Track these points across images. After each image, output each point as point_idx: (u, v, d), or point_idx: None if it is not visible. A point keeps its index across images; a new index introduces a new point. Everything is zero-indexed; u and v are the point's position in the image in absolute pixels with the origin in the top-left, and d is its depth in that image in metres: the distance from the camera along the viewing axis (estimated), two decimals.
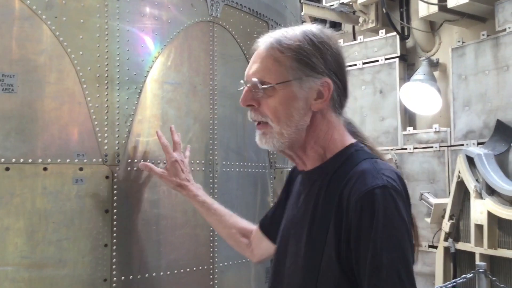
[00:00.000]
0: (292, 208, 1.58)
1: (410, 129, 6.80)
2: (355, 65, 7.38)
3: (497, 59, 5.79)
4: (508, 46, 5.65)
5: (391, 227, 1.23)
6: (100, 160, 2.26)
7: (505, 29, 5.67)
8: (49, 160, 2.15)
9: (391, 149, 6.82)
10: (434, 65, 6.79)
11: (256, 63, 1.45)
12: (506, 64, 5.67)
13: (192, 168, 2.64)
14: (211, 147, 2.77)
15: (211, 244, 2.65)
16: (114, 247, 2.27)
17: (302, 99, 1.41)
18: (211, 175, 2.74)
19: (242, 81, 1.50)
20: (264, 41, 1.47)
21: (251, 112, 1.48)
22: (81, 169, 2.21)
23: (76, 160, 2.21)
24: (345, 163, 1.42)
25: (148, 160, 2.41)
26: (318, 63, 1.42)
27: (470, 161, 5.57)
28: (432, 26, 6.98)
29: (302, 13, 7.46)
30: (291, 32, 1.45)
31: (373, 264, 1.21)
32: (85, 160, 2.22)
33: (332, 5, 7.99)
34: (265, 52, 1.44)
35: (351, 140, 1.53)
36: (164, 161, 2.38)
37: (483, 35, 6.00)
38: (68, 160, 2.19)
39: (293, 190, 1.65)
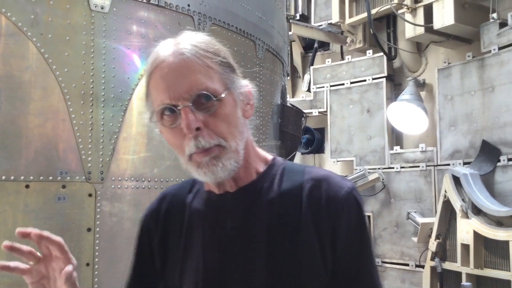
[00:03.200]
0: (208, 242, 1.29)
1: (397, 148, 6.83)
2: (343, 84, 7.43)
3: (483, 80, 5.86)
4: (493, 67, 5.72)
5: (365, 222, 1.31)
6: (84, 177, 2.24)
7: (490, 51, 5.74)
8: (31, 177, 2.13)
9: (378, 168, 6.84)
10: (420, 85, 6.85)
11: (187, 75, 1.15)
12: (492, 85, 5.74)
13: None
14: None
15: None
16: (96, 266, 2.24)
17: (239, 108, 1.23)
18: None
19: (164, 105, 1.16)
20: (183, 48, 1.17)
21: (200, 139, 1.15)
22: (63, 186, 2.19)
23: (59, 178, 2.18)
24: (286, 174, 1.30)
25: (133, 178, 2.39)
26: (234, 66, 1.25)
27: (456, 180, 5.59)
28: (419, 47, 7.06)
29: (291, 33, 7.52)
30: (198, 38, 1.23)
31: (369, 257, 1.28)
32: (68, 178, 2.20)
33: (321, 25, 8.07)
34: (193, 60, 1.16)
35: (266, 152, 1.37)
36: (149, 179, 2.37)
37: (468, 56, 6.07)
38: (50, 178, 2.17)
39: (185, 225, 1.35)
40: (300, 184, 1.27)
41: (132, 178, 2.38)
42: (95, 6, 2.37)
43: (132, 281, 1.43)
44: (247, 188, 1.28)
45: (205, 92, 1.14)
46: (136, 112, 2.47)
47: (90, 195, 2.24)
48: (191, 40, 1.20)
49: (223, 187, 1.28)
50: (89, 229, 2.23)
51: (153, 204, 1.43)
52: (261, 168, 1.31)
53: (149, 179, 2.39)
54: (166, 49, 1.20)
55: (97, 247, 2.24)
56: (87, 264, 2.22)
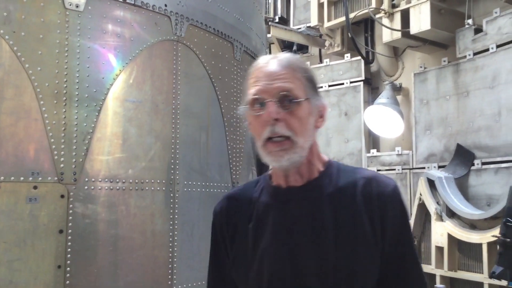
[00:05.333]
0: (278, 229, 1.54)
1: (373, 151, 6.89)
2: (321, 87, 7.47)
3: (458, 84, 5.95)
4: (468, 72, 5.82)
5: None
6: (56, 178, 2.20)
7: (465, 56, 5.84)
8: (2, 177, 2.08)
9: None
10: (397, 89, 6.93)
11: (279, 79, 1.48)
12: (466, 90, 5.83)
13: (153, 188, 2.60)
14: (172, 166, 2.74)
15: (170, 266, 2.60)
16: (68, 268, 2.20)
17: (313, 117, 1.53)
18: (171, 194, 2.70)
19: (256, 96, 1.48)
20: (279, 60, 1.51)
21: (276, 126, 1.46)
22: (35, 187, 2.15)
23: (31, 178, 2.14)
24: (341, 173, 1.58)
25: (107, 179, 2.36)
26: (317, 86, 1.56)
27: (431, 183, 5.67)
28: (396, 51, 7.14)
29: (269, 35, 7.53)
30: (294, 56, 1.56)
31: (411, 241, 1.56)
32: (40, 179, 2.16)
33: (299, 28, 8.10)
34: (286, 69, 1.50)
35: (324, 154, 1.65)
36: (123, 180, 2.33)
37: (444, 61, 6.16)
38: (22, 178, 2.12)
39: (255, 216, 1.59)
40: (354, 181, 1.54)
41: (106, 179, 2.34)
42: (70, 5, 2.34)
43: (214, 271, 1.70)
44: (312, 183, 1.55)
45: (288, 93, 1.46)
46: (111, 112, 2.44)
47: (62, 196, 2.20)
48: (288, 55, 1.54)
49: (289, 181, 1.55)
50: (61, 231, 2.19)
51: (222, 203, 1.68)
52: (321, 167, 1.58)
53: (124, 180, 2.36)
54: (267, 57, 1.54)
55: (69, 249, 2.20)
56: (59, 267, 2.18)
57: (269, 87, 1.48)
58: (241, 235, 1.61)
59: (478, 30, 5.73)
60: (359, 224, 1.49)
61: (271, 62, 1.52)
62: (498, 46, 5.42)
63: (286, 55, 1.55)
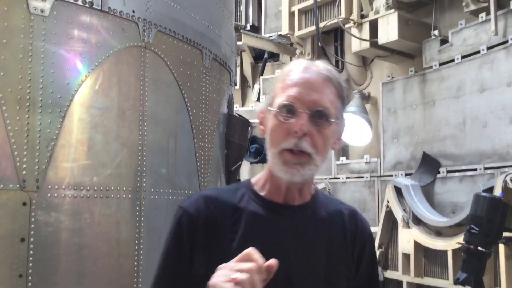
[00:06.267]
0: (272, 244, 1.42)
1: (343, 159, 6.96)
2: None
3: (424, 94, 6.07)
4: (434, 82, 5.94)
5: None
6: (18, 185, 2.15)
7: (431, 66, 5.96)
8: None
9: (325, 178, 6.94)
10: (365, 98, 7.03)
11: (317, 92, 1.40)
12: (432, 99, 5.95)
13: (118, 195, 2.57)
14: (139, 173, 2.71)
15: (135, 274, 2.57)
16: (30, 277, 2.15)
17: (333, 138, 1.47)
18: (138, 202, 2.67)
19: (289, 103, 1.38)
20: (320, 70, 1.43)
21: (303, 140, 1.37)
22: None
23: None
24: (327, 200, 1.61)
25: (71, 187, 2.32)
26: (346, 106, 1.52)
27: (398, 191, 5.75)
28: (364, 61, 7.25)
29: (241, 43, 7.55)
30: (333, 68, 1.48)
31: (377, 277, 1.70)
32: (1, 186, 2.11)
33: (271, 36, 8.15)
34: (326, 83, 1.42)
35: None
36: (88, 188, 2.30)
37: (411, 71, 6.28)
38: None
39: (243, 225, 1.46)
40: (340, 210, 1.58)
41: (70, 187, 2.31)
42: (35, 9, 2.30)
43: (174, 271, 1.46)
44: (309, 205, 1.53)
45: (325, 111, 1.39)
46: (76, 118, 2.41)
47: (24, 204, 2.16)
48: (328, 66, 1.46)
49: (287, 198, 1.49)
50: (22, 239, 2.14)
51: (196, 203, 1.47)
52: (312, 191, 1.57)
53: (88, 188, 2.33)
54: (305, 62, 1.46)
55: (31, 258, 2.15)
56: (20, 276, 2.13)
57: (306, 97, 1.38)
58: (223, 240, 1.44)
59: (444, 41, 5.86)
60: (347, 253, 1.55)
61: (312, 69, 1.43)
62: (463, 57, 5.55)
63: (325, 65, 1.46)
